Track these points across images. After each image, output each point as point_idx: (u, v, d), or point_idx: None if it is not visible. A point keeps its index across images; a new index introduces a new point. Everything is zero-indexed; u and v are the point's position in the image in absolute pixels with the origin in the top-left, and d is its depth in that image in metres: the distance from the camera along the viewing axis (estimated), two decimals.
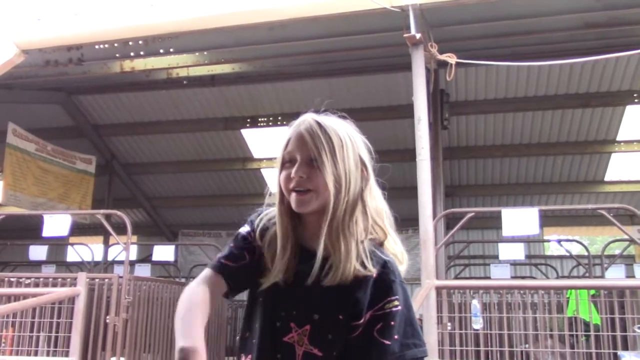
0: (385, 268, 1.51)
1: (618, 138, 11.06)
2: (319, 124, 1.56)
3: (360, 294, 1.49)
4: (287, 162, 1.55)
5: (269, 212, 1.65)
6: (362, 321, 1.49)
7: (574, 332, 5.28)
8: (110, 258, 11.72)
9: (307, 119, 1.59)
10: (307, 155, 1.52)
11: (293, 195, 1.52)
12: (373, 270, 1.49)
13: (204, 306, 1.54)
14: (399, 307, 1.49)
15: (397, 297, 1.50)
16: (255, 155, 12.51)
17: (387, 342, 1.46)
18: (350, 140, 1.59)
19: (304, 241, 1.57)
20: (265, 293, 1.57)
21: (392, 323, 1.47)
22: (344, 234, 1.51)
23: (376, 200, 1.65)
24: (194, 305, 1.53)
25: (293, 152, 1.55)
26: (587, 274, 9.35)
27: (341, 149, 1.56)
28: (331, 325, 1.52)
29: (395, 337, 1.47)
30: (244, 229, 1.67)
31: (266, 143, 11.99)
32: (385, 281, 1.50)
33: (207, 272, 1.60)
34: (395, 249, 1.61)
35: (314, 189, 1.51)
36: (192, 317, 1.53)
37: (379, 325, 1.47)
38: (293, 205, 1.53)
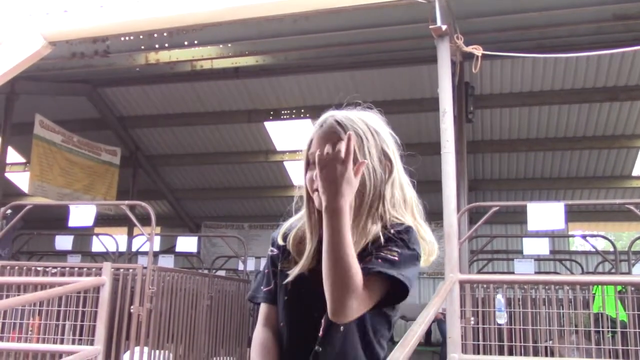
0: (407, 234, 1.58)
1: None
2: (339, 123, 1.59)
3: (377, 240, 1.57)
4: (311, 164, 1.58)
5: (288, 222, 1.74)
6: (370, 250, 1.55)
7: (600, 329, 5.20)
8: (134, 249, 11.85)
9: (328, 118, 1.62)
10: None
11: (315, 195, 1.56)
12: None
13: (272, 348, 1.70)
14: (398, 256, 1.53)
15: (401, 251, 1.55)
16: (278, 147, 12.52)
17: (389, 257, 1.52)
18: (372, 135, 1.62)
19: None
20: (295, 290, 1.66)
21: (397, 259, 1.53)
22: (365, 227, 1.57)
23: (404, 190, 1.69)
24: (264, 352, 1.70)
25: (315, 153, 1.54)
26: (613, 270, 9.21)
27: (361, 147, 1.59)
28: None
29: (397, 259, 1.53)
30: (269, 251, 1.78)
31: (289, 136, 11.99)
32: (403, 240, 1.56)
33: (261, 308, 1.77)
34: (425, 237, 1.63)
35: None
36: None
37: (386, 250, 1.54)
38: (317, 204, 1.57)
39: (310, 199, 1.61)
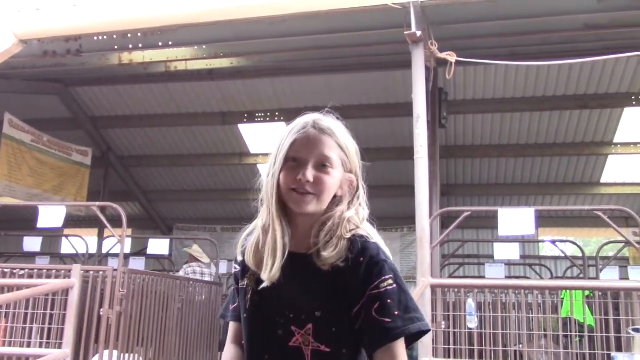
0: (374, 251, 1.54)
1: (615, 140, 11.07)
2: (330, 128, 1.59)
3: (354, 279, 1.51)
4: (290, 161, 1.56)
5: (244, 233, 1.69)
6: (359, 305, 1.50)
7: (568, 333, 5.28)
8: (104, 251, 11.70)
9: (316, 120, 1.61)
10: (320, 160, 1.55)
11: (293, 194, 1.54)
12: (359, 258, 1.53)
13: None
14: (394, 285, 1.51)
15: (390, 276, 1.52)
16: (252, 150, 12.49)
17: (387, 320, 1.48)
18: (355, 145, 1.65)
19: (290, 247, 1.58)
20: (255, 307, 1.61)
21: (389, 301, 1.49)
22: (337, 234, 1.54)
23: (363, 204, 1.68)
24: None
25: (302, 153, 1.56)
26: (581, 275, 9.36)
27: (352, 158, 1.63)
28: (333, 318, 1.54)
29: (396, 313, 1.49)
30: (233, 268, 1.75)
31: (263, 138, 11.96)
32: (377, 263, 1.52)
33: (230, 326, 1.76)
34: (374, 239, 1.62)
35: (317, 194, 1.54)
36: None
37: (376, 305, 1.49)
38: (292, 203, 1.55)
39: (279, 198, 1.57)
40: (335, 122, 1.63)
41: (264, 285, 1.56)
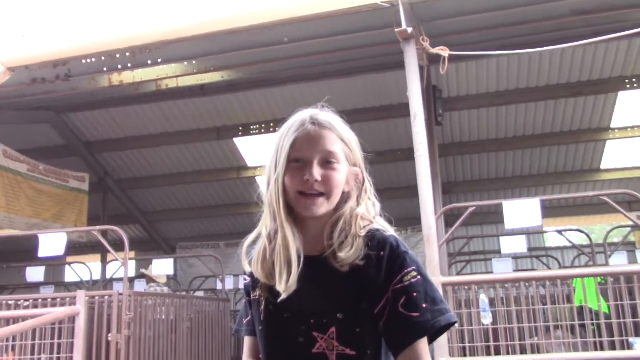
0: (394, 244, 1.48)
1: (612, 125, 11.02)
2: (330, 122, 1.53)
3: (376, 275, 1.45)
4: (293, 162, 1.49)
5: (246, 244, 1.60)
6: (384, 302, 1.44)
7: (584, 322, 5.20)
8: (108, 275, 11.61)
9: (314, 116, 1.55)
10: (324, 157, 1.49)
11: (302, 199, 1.48)
12: (379, 253, 1.47)
13: None
14: (418, 277, 1.44)
15: (413, 267, 1.45)
16: (250, 163, 12.42)
17: (415, 314, 1.41)
18: (355, 136, 1.59)
19: (301, 251, 1.51)
20: (272, 317, 1.54)
21: (415, 294, 1.43)
22: (352, 233, 1.47)
23: (372, 197, 1.63)
24: None
25: (304, 152, 1.49)
26: (590, 263, 9.29)
27: (354, 151, 1.56)
28: (356, 318, 1.47)
29: (424, 306, 1.42)
30: (244, 280, 1.69)
31: (259, 151, 11.90)
32: (398, 256, 1.46)
33: (245, 341, 1.69)
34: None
35: (327, 193, 1.48)
36: None
37: (402, 299, 1.42)
38: (301, 209, 1.49)
39: (286, 204, 1.50)
40: (332, 116, 1.58)
41: (282, 297, 1.48)
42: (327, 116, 1.56)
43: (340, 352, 1.46)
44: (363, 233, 1.48)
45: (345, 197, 1.54)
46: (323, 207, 1.48)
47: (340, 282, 1.46)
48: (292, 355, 1.50)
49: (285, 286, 1.46)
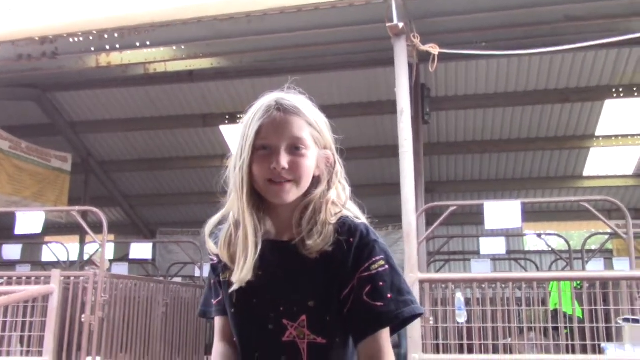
0: (364, 231, 1.46)
1: (597, 133, 11.12)
2: (296, 107, 1.49)
3: (344, 262, 1.43)
4: (260, 150, 1.45)
5: (211, 225, 1.60)
6: (349, 289, 1.42)
7: (557, 325, 5.25)
8: (86, 257, 11.52)
9: (279, 100, 1.50)
10: (291, 143, 1.45)
11: (270, 186, 1.45)
12: (349, 239, 1.45)
13: None
14: (386, 267, 1.43)
15: (381, 257, 1.44)
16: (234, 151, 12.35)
17: (379, 303, 1.40)
18: (324, 118, 1.55)
19: (270, 236, 1.50)
20: (241, 302, 1.50)
21: (381, 284, 1.41)
22: (321, 220, 1.45)
23: (343, 182, 1.58)
24: None
25: (271, 139, 1.45)
26: (567, 268, 9.37)
27: (324, 134, 1.51)
28: (326, 306, 1.46)
29: (389, 295, 1.41)
30: (210, 260, 1.65)
31: None
32: (367, 244, 1.44)
33: (216, 322, 1.65)
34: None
35: (295, 179, 1.45)
36: None
37: (368, 288, 1.41)
38: (270, 196, 1.46)
39: (251, 195, 1.47)
40: (299, 98, 1.53)
41: (234, 287, 1.46)
42: (293, 100, 1.51)
43: (311, 340, 1.45)
44: (333, 220, 1.46)
45: (315, 181, 1.51)
46: (292, 193, 1.45)
47: (311, 269, 1.44)
48: (262, 343, 1.49)
49: (238, 276, 1.44)
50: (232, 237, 1.51)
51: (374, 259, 1.43)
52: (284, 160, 1.43)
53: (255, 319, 1.48)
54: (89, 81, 10.17)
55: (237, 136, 1.54)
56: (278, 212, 1.50)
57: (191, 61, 8.71)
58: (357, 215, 1.51)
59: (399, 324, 1.43)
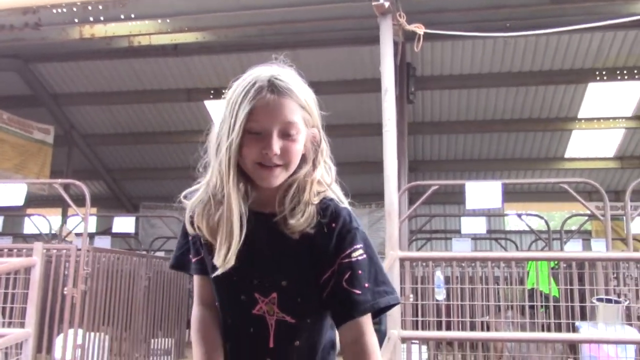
0: (347, 217, 1.46)
1: (579, 115, 11.23)
2: (289, 88, 1.43)
3: (325, 246, 1.43)
4: (250, 133, 1.40)
5: (192, 207, 1.52)
6: (329, 273, 1.43)
7: (534, 303, 5.36)
8: (65, 230, 11.49)
9: (272, 81, 1.43)
10: (284, 128, 1.41)
11: (259, 170, 1.42)
12: (331, 224, 1.44)
13: (212, 327, 1.56)
14: (364, 256, 1.44)
15: (361, 245, 1.45)
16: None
17: (357, 291, 1.41)
18: (313, 96, 1.51)
19: (253, 206, 1.47)
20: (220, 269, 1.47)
21: (360, 272, 1.42)
22: (304, 199, 1.44)
23: (328, 161, 1.55)
24: (205, 342, 1.55)
25: (263, 124, 1.40)
26: (546, 248, 9.52)
27: (313, 113, 1.49)
28: (298, 287, 1.47)
29: (366, 285, 1.42)
30: (189, 217, 1.54)
31: None
32: (349, 230, 1.45)
33: (195, 282, 1.60)
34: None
35: (285, 164, 1.43)
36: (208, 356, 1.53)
37: (347, 274, 1.42)
38: (258, 179, 1.44)
39: (237, 175, 1.43)
40: (291, 77, 1.47)
41: (217, 273, 1.43)
42: (287, 79, 1.45)
43: (280, 318, 1.47)
44: (316, 201, 1.45)
45: (301, 160, 1.48)
46: (281, 177, 1.44)
47: (289, 248, 1.44)
48: (235, 310, 1.50)
49: (222, 261, 1.42)
50: (210, 209, 1.47)
51: (355, 247, 1.44)
52: (277, 146, 1.40)
53: (230, 287, 1.48)
54: (72, 53, 10.06)
55: (222, 110, 1.48)
56: (261, 189, 1.47)
57: (176, 35, 8.64)
58: (340, 198, 1.50)
59: (375, 312, 1.45)
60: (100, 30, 7.85)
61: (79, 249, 6.10)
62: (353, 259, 1.42)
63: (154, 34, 8.39)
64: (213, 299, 1.56)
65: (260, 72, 1.45)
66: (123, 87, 11.42)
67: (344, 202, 1.50)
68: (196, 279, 1.60)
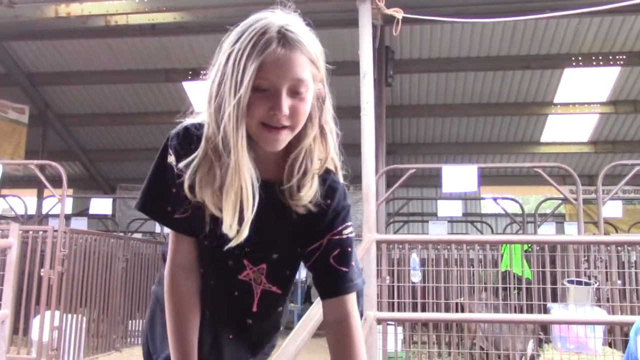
0: (342, 194, 1.43)
1: (555, 100, 11.35)
2: (300, 41, 1.30)
3: (319, 222, 1.40)
4: (257, 90, 1.27)
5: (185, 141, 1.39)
6: (317, 245, 1.41)
7: (507, 285, 5.47)
8: (44, 211, 11.40)
9: (283, 32, 1.28)
10: (293, 85, 1.29)
11: (264, 131, 1.30)
12: (326, 201, 1.39)
13: (194, 307, 1.46)
14: (353, 234, 1.44)
15: (351, 223, 1.45)
16: (198, 109, 12.18)
17: (344, 269, 1.41)
18: (320, 47, 1.38)
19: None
20: (210, 229, 1.37)
21: (349, 249, 1.42)
22: (311, 168, 1.36)
23: (330, 120, 1.44)
24: (184, 313, 1.44)
25: (272, 80, 1.27)
26: (520, 231, 9.67)
27: (321, 68, 1.37)
28: (288, 261, 1.47)
29: (352, 263, 1.43)
30: (173, 164, 1.41)
31: None
32: (343, 207, 1.43)
33: (177, 241, 1.45)
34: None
35: (292, 125, 1.31)
36: (185, 332, 1.45)
37: (336, 251, 1.40)
38: (262, 141, 1.31)
39: (246, 133, 1.28)
40: (301, 28, 1.33)
41: (230, 245, 1.32)
42: (297, 31, 1.31)
43: (266, 288, 1.47)
44: (319, 172, 1.39)
45: (306, 119, 1.36)
46: (286, 139, 1.33)
47: (289, 223, 1.40)
48: (220, 275, 1.46)
49: (234, 233, 1.30)
50: (215, 179, 1.31)
51: (346, 224, 1.43)
52: (286, 105, 1.28)
53: (217, 249, 1.38)
54: (47, 31, 9.90)
55: (221, 57, 1.34)
56: (262, 153, 1.35)
57: (154, 15, 8.56)
58: (338, 168, 1.45)
59: (358, 292, 1.48)
60: (77, 9, 7.75)
61: (56, 231, 6.08)
62: (344, 236, 1.41)
63: (131, 14, 8.31)
64: (195, 262, 1.45)
65: (267, 21, 1.30)
66: (99, 67, 11.27)
67: (340, 174, 1.45)
68: (178, 238, 1.45)
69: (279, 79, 1.28)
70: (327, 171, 1.42)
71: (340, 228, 1.41)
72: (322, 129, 1.39)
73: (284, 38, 1.28)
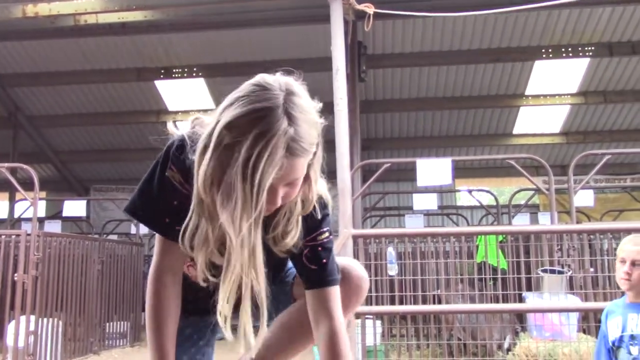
0: (329, 208, 1.57)
1: (527, 92, 11.49)
2: (306, 150, 1.29)
3: (309, 228, 1.53)
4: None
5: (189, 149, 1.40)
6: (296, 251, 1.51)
7: (483, 276, 5.54)
8: (17, 215, 11.24)
9: (291, 144, 1.25)
10: (289, 182, 1.31)
11: None
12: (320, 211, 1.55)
13: (173, 308, 1.52)
14: (330, 237, 1.56)
15: (328, 229, 1.56)
16: (170, 107, 12.17)
17: (314, 267, 1.53)
18: (320, 121, 1.40)
19: None
20: None
21: (320, 249, 1.54)
22: (290, 211, 1.45)
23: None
24: (163, 314, 1.51)
25: (273, 181, 1.25)
26: (495, 222, 9.78)
27: (319, 148, 1.38)
28: (275, 277, 1.67)
29: (324, 261, 1.54)
30: (176, 181, 1.47)
31: (181, 95, 11.67)
32: (328, 214, 1.57)
33: (168, 246, 1.49)
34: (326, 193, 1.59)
35: (283, 204, 1.36)
36: (164, 330, 1.50)
37: (320, 249, 1.54)
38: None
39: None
40: (307, 131, 1.30)
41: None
42: (304, 135, 1.29)
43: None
44: (305, 213, 1.47)
45: None
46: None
47: (275, 256, 1.49)
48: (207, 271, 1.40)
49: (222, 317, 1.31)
50: (209, 239, 1.33)
51: (321, 230, 1.55)
52: (279, 199, 1.31)
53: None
54: (15, 32, 9.73)
55: (225, 141, 1.26)
56: None
57: (124, 13, 8.47)
58: (325, 195, 1.56)
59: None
60: (44, 8, 7.65)
61: (29, 234, 6.00)
62: (325, 240, 1.54)
63: (101, 13, 8.22)
64: (181, 267, 1.56)
65: (273, 122, 1.25)
66: (70, 67, 11.12)
67: (328, 199, 1.56)
68: (167, 244, 1.49)
69: (278, 181, 1.27)
70: (319, 197, 1.51)
71: (314, 234, 1.53)
72: (311, 180, 1.41)
73: (291, 150, 1.25)
